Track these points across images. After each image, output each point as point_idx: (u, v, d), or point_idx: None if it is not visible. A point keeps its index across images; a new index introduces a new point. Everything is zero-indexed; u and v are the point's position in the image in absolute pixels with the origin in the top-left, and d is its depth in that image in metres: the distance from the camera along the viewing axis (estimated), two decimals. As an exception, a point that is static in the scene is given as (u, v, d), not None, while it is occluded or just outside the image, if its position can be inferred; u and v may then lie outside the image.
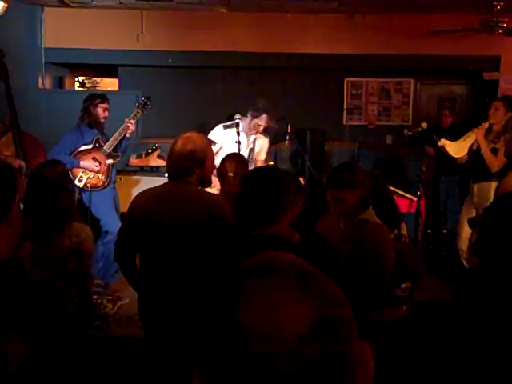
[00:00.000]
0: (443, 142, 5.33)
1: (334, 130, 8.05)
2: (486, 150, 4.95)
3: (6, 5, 5.62)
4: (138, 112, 5.26)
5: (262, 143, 5.04)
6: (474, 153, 5.11)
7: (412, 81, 8.40)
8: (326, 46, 7.62)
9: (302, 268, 0.75)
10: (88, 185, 5.10)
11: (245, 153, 4.75)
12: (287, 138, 7.16)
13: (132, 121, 5.16)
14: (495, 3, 5.85)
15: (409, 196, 5.52)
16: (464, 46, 7.36)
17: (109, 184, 5.22)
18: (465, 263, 5.03)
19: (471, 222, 4.45)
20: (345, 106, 8.29)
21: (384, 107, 8.43)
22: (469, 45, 7.29)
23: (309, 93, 8.05)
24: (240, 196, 2.20)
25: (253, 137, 4.89)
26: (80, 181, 5.08)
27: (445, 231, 6.85)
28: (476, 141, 5.07)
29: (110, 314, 4.71)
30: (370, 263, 2.72)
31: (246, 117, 4.82)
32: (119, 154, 5.27)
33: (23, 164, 4.71)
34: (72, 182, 4.87)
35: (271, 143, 7.02)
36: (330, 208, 2.92)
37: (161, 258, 2.77)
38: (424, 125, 6.17)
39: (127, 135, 5.20)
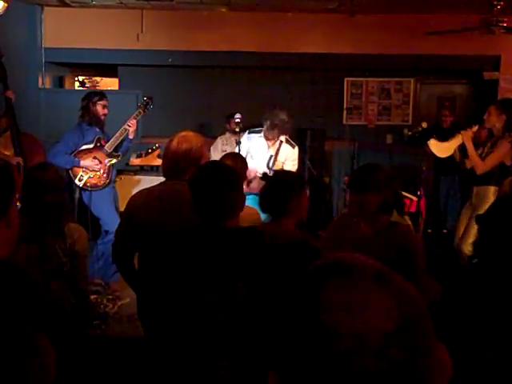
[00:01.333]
0: (431, 141, 5.32)
1: (334, 130, 8.05)
2: (472, 153, 4.88)
3: (6, 4, 5.62)
4: (139, 112, 5.27)
5: (287, 152, 5.01)
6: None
7: (412, 80, 8.40)
8: (326, 46, 7.61)
9: (377, 268, 0.75)
10: (88, 184, 5.10)
11: (265, 158, 4.86)
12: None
13: (133, 121, 5.17)
14: (495, 3, 5.84)
15: (409, 196, 5.53)
16: (464, 46, 7.36)
17: (109, 184, 5.22)
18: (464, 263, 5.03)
19: (478, 219, 4.44)
20: (345, 106, 8.28)
21: (384, 107, 8.43)
22: (469, 44, 7.29)
23: (309, 93, 8.05)
24: (192, 194, 2.29)
25: (277, 144, 4.92)
26: (80, 180, 5.08)
27: (445, 231, 6.85)
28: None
29: (110, 314, 4.72)
30: (415, 265, 2.74)
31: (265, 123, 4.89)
32: (120, 154, 5.28)
33: (21, 160, 4.73)
34: (67, 182, 4.87)
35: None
36: (351, 210, 2.88)
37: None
38: (424, 124, 6.17)
39: (130, 136, 5.21)
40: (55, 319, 2.56)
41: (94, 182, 5.12)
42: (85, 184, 5.10)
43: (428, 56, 7.62)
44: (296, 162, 5.11)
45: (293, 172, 4.05)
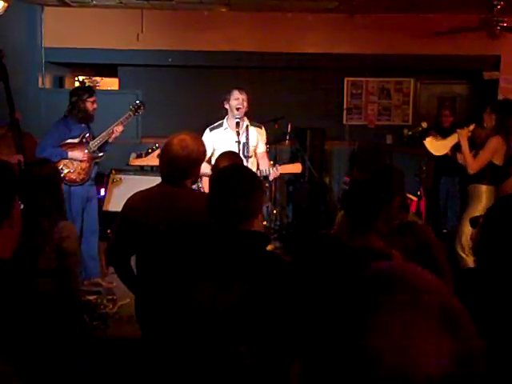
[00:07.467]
0: (427, 139, 5.37)
1: (334, 130, 8.05)
2: (465, 151, 4.91)
3: (6, 4, 5.61)
4: (129, 115, 5.27)
5: (257, 134, 4.92)
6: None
7: (412, 80, 8.40)
8: (326, 46, 7.62)
9: (447, 305, 0.67)
10: (66, 178, 5.05)
11: (234, 149, 4.59)
12: (287, 137, 7.18)
13: (120, 127, 5.16)
14: (495, 3, 5.85)
15: (409, 196, 5.52)
16: (464, 46, 7.36)
17: (87, 181, 5.19)
18: (465, 263, 5.02)
19: (472, 222, 4.44)
20: (345, 106, 8.28)
21: (384, 107, 8.43)
22: (469, 44, 7.29)
23: (309, 92, 8.05)
24: (212, 195, 2.17)
25: (244, 131, 4.78)
26: (60, 173, 5.07)
27: (445, 231, 6.84)
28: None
29: (110, 314, 4.71)
30: (439, 260, 2.83)
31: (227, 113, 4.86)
32: (103, 154, 5.25)
33: (22, 158, 4.73)
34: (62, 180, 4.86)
35: (271, 142, 7.04)
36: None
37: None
38: (424, 124, 6.17)
39: (110, 140, 5.20)
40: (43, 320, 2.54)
41: (72, 177, 5.09)
42: (63, 178, 5.06)
43: (428, 56, 7.62)
44: (265, 142, 5.07)
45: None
